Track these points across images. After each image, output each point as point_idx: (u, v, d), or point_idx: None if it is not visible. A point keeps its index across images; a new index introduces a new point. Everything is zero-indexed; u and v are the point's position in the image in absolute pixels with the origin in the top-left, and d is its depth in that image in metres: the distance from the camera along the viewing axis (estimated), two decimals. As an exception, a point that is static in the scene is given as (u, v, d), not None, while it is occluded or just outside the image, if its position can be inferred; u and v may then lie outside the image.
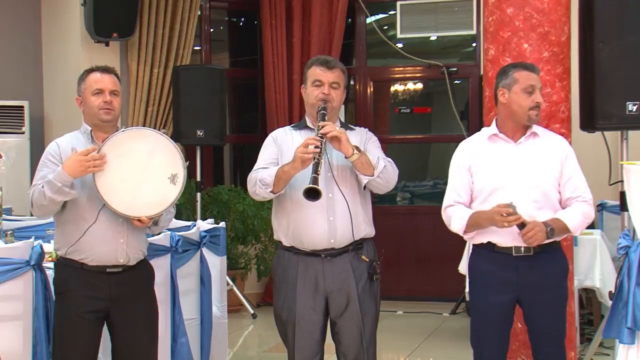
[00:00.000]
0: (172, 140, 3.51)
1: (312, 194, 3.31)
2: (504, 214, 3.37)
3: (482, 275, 3.61)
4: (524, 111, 3.52)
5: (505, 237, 3.51)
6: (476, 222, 3.51)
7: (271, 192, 3.50)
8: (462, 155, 3.66)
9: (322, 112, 3.53)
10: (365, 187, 3.58)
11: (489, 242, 3.55)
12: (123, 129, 3.49)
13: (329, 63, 3.61)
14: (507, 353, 3.63)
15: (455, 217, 3.56)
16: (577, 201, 3.53)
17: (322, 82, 3.59)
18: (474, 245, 3.66)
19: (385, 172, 3.53)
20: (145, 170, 3.44)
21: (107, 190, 3.37)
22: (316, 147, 3.38)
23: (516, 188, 3.49)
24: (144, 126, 6.65)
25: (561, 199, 3.57)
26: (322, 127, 3.44)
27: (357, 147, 3.49)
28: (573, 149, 3.68)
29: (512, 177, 3.51)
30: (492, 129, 3.62)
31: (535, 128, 3.59)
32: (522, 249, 3.50)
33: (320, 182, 3.34)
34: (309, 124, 3.68)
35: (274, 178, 3.48)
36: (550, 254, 3.54)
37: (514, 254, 3.51)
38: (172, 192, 3.46)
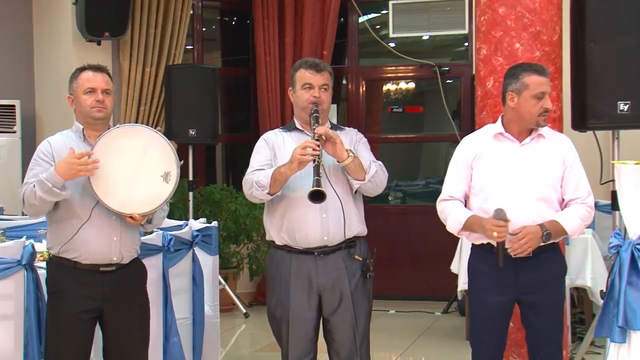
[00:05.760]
0: (166, 138, 3.50)
1: (317, 196, 3.33)
2: (496, 226, 3.36)
3: (480, 276, 3.60)
4: (533, 117, 3.49)
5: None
6: (470, 227, 3.50)
7: (268, 193, 3.51)
8: (465, 150, 3.62)
9: (315, 115, 3.54)
10: (356, 191, 3.60)
11: (488, 243, 3.54)
12: (117, 126, 3.49)
13: (317, 66, 3.62)
14: (503, 352, 3.63)
15: (451, 216, 3.55)
16: (576, 203, 3.51)
17: (312, 85, 3.59)
18: (473, 245, 3.65)
19: (376, 177, 3.55)
20: (139, 168, 3.43)
21: (100, 187, 3.36)
22: (314, 149, 3.39)
23: (517, 188, 3.48)
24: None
25: (562, 200, 3.54)
26: (318, 132, 3.44)
27: (350, 151, 3.50)
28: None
29: (514, 178, 3.49)
30: (498, 127, 3.58)
31: (541, 129, 3.55)
32: None
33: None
34: (298, 125, 3.68)
35: (270, 179, 3.49)
36: (549, 255, 3.52)
37: (512, 255, 3.51)
38: (165, 190, 3.45)
